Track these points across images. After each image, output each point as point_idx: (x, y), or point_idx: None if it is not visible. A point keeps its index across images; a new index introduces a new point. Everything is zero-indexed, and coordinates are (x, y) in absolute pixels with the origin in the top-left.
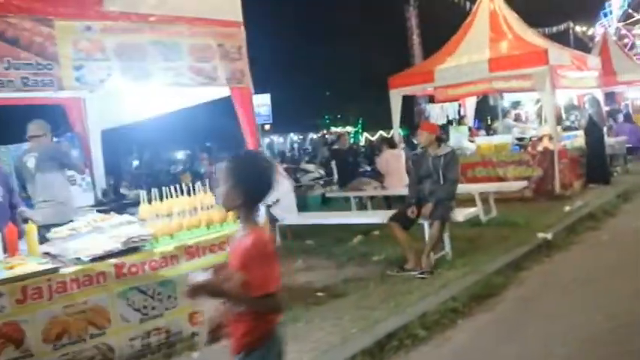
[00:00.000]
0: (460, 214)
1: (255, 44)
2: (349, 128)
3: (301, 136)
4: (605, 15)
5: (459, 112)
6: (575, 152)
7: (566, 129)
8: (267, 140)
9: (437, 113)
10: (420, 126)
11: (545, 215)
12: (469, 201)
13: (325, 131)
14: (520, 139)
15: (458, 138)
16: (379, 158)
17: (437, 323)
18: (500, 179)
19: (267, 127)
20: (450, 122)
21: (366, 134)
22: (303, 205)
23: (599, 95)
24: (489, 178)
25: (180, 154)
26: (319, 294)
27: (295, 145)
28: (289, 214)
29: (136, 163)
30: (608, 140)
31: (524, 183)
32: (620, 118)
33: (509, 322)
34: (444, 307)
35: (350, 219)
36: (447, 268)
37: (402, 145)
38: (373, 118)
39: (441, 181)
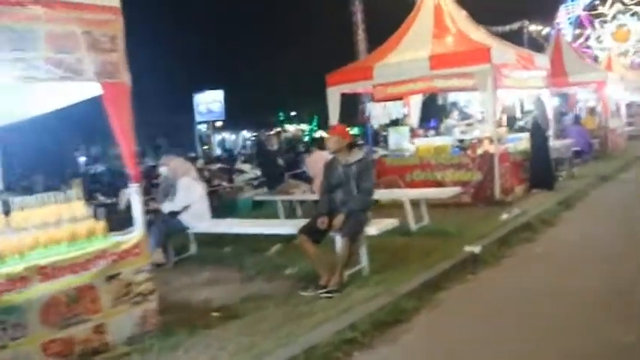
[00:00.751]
0: (375, 227)
1: (208, 38)
2: (304, 126)
3: (255, 134)
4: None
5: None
6: (518, 156)
7: (521, 130)
8: (218, 137)
9: (378, 112)
10: (330, 130)
11: (481, 224)
12: (400, 207)
13: (280, 129)
14: (462, 141)
15: (397, 139)
16: (308, 160)
17: (327, 357)
18: (439, 183)
19: (218, 123)
20: (393, 122)
21: (321, 132)
22: (232, 209)
23: (547, 96)
24: (427, 182)
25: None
26: (214, 314)
27: (248, 143)
28: (200, 222)
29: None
30: (554, 144)
31: (457, 189)
32: (567, 120)
33: (412, 356)
34: (339, 338)
35: (257, 228)
36: (359, 286)
37: None
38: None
39: (354, 191)
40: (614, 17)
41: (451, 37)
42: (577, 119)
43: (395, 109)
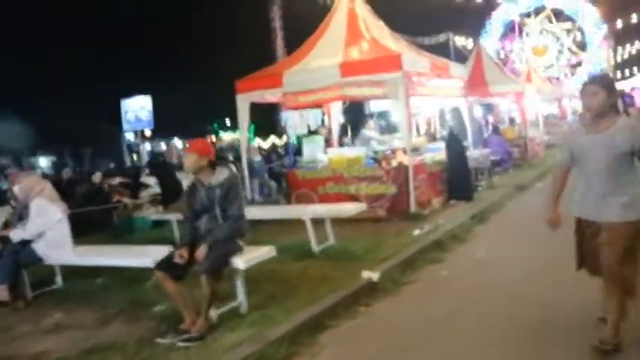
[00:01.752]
0: (244, 258)
1: (135, 41)
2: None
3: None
4: (486, 33)
5: (322, 120)
6: (435, 167)
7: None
8: (147, 147)
9: (295, 122)
10: (187, 146)
11: (391, 241)
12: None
13: (214, 138)
14: (377, 152)
15: (311, 149)
16: None
17: None
18: (353, 197)
19: (148, 132)
20: (312, 132)
21: (258, 140)
22: (128, 229)
23: (464, 106)
24: (341, 195)
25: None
26: None
27: (182, 153)
28: (57, 251)
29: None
30: (472, 153)
31: (361, 206)
32: (485, 131)
33: None
34: None
35: (124, 259)
36: (230, 328)
37: (259, 158)
38: (265, 124)
39: (219, 219)
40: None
41: (364, 44)
42: (496, 129)
43: (313, 118)
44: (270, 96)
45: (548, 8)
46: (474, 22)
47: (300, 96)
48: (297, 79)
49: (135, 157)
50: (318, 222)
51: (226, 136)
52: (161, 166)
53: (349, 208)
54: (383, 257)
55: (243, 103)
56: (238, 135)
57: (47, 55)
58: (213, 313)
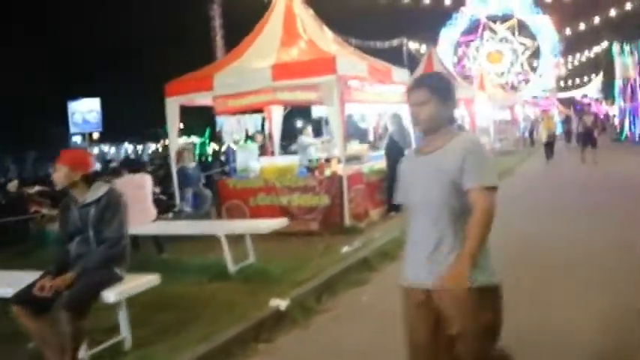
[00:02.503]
0: (115, 292)
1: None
2: (194, 138)
3: (141, 147)
4: (451, 24)
5: (262, 125)
6: (374, 176)
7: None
8: (95, 150)
9: (232, 127)
10: (58, 157)
11: (316, 260)
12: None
13: (162, 141)
14: (311, 161)
15: (245, 157)
16: (117, 185)
17: None
18: (284, 209)
19: (96, 135)
20: (250, 138)
21: (213, 145)
22: (41, 243)
23: (406, 113)
24: (273, 207)
25: None
26: None
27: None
28: None
29: None
30: None
31: (281, 222)
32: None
33: None
34: None
35: None
36: None
37: (193, 165)
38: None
39: (92, 242)
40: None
41: (299, 45)
42: None
43: (252, 124)
44: (201, 99)
45: (515, 18)
46: (430, 27)
47: (230, 100)
48: (228, 82)
49: None
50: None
51: (179, 140)
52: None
53: (269, 224)
54: (302, 279)
55: (172, 106)
56: (194, 139)
57: None
58: (83, 354)
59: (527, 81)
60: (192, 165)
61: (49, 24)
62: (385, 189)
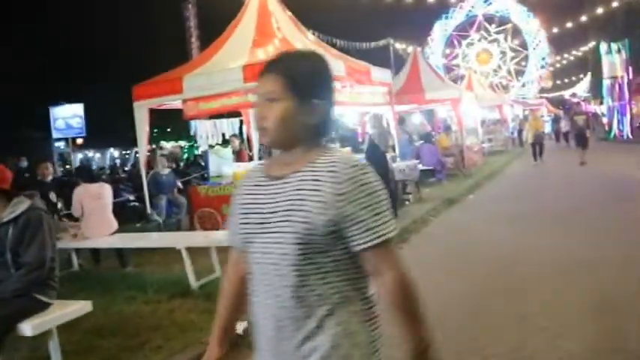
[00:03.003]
0: (34, 323)
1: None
2: (183, 142)
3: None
4: (447, 18)
5: (240, 129)
6: None
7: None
8: (79, 156)
9: (207, 131)
10: None
11: None
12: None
13: (154, 146)
14: None
15: (217, 163)
16: (75, 193)
17: None
18: None
19: (79, 140)
20: (226, 142)
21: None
22: None
23: (390, 114)
24: None
25: None
26: None
27: (117, 162)
28: None
29: None
30: (398, 165)
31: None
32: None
33: None
34: None
35: None
36: None
37: (167, 171)
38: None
39: (10, 267)
40: (479, 40)
41: (274, 43)
42: (428, 137)
43: (230, 127)
44: (170, 102)
45: (511, 23)
46: (417, 27)
47: (201, 102)
48: (198, 84)
49: (67, 166)
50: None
51: (168, 145)
52: (31, 186)
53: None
54: None
55: (140, 110)
56: (182, 143)
57: None
58: None
59: (512, 86)
60: (165, 171)
61: (18, 27)
62: None
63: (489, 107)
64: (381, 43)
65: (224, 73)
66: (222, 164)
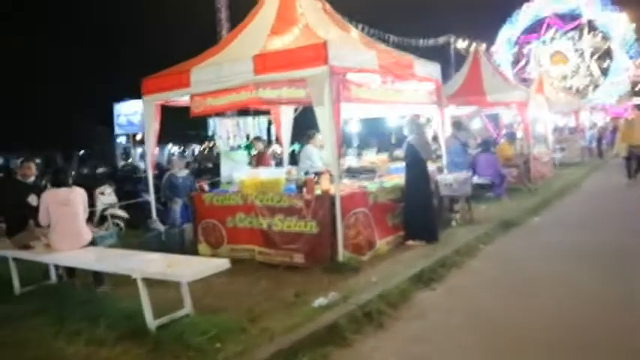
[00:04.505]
0: None
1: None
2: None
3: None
4: (511, 22)
5: (268, 129)
6: (385, 195)
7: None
8: (139, 150)
9: (228, 130)
10: None
11: (273, 317)
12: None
13: (207, 142)
14: (307, 173)
15: (230, 167)
16: (42, 199)
17: None
18: (265, 234)
19: (138, 136)
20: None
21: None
22: None
23: (437, 116)
24: (253, 231)
25: None
26: None
27: (174, 158)
28: None
29: None
30: (444, 177)
31: (222, 263)
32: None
33: None
34: None
35: None
36: None
37: (184, 173)
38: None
39: None
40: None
41: (293, 31)
42: (486, 145)
43: (256, 127)
44: (178, 98)
45: (584, 17)
46: (482, 24)
47: (209, 98)
48: (206, 77)
49: (130, 160)
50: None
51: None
52: (6, 188)
53: (200, 269)
54: (236, 352)
55: (148, 106)
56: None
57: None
58: None
59: (596, 86)
60: (182, 173)
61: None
62: (402, 211)
63: (563, 113)
64: (441, 40)
65: (233, 64)
66: (236, 169)
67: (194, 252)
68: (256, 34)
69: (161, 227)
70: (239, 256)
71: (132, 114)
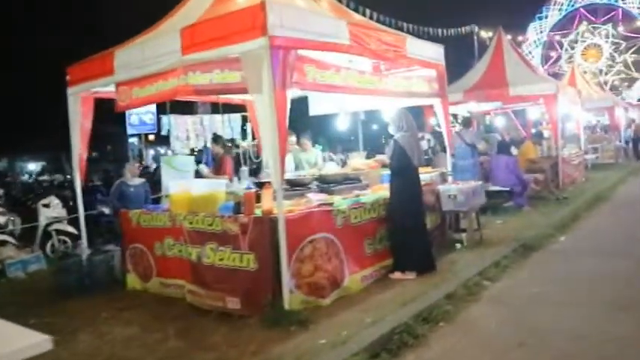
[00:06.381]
0: None
1: None
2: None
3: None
4: (540, 19)
5: (243, 127)
6: (363, 215)
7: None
8: (151, 152)
9: (188, 130)
10: None
11: None
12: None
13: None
14: (260, 185)
15: (172, 177)
16: None
17: None
18: (195, 269)
19: (151, 137)
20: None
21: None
22: None
23: (440, 110)
24: (182, 262)
25: None
26: None
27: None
28: None
29: None
30: (448, 188)
31: (43, 342)
32: (462, 150)
33: None
34: None
35: None
36: None
37: (137, 181)
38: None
39: None
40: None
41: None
42: (505, 146)
43: (227, 126)
44: (102, 89)
45: (620, 9)
46: (499, 11)
47: (135, 87)
48: (132, 61)
49: (143, 162)
50: None
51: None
52: None
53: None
54: None
55: (74, 99)
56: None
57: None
58: None
59: (632, 81)
60: (135, 181)
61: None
62: (387, 232)
63: (597, 109)
64: (463, 30)
65: (158, 41)
66: (174, 179)
67: (123, 284)
68: (200, 3)
69: (84, 251)
70: (169, 293)
71: (144, 113)
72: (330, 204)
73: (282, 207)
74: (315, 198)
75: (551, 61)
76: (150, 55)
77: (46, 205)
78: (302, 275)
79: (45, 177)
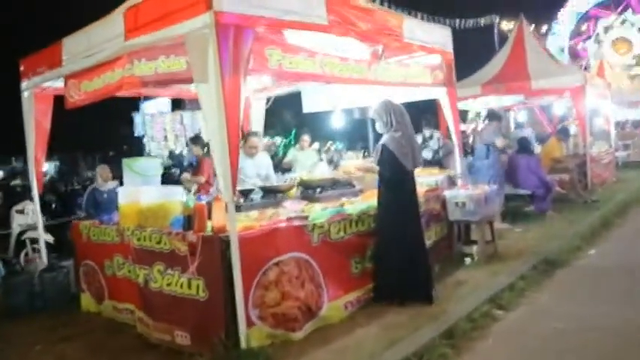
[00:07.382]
0: None
1: None
2: (278, 139)
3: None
4: (553, 34)
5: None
6: (349, 228)
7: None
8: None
9: (165, 129)
10: None
11: None
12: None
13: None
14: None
15: (134, 183)
16: None
17: None
18: (142, 294)
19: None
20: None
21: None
22: None
23: (446, 101)
24: (131, 285)
25: None
26: None
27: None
28: None
29: None
30: (455, 195)
31: None
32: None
33: None
34: None
35: None
36: None
37: (110, 185)
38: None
39: None
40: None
41: None
42: (524, 145)
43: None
44: (52, 83)
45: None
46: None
47: (84, 81)
48: (77, 50)
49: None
50: None
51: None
52: None
53: None
54: None
55: (27, 95)
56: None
57: None
58: None
59: None
60: (108, 186)
61: None
62: (374, 248)
63: (629, 103)
64: (482, 21)
65: (102, 26)
66: (141, 185)
67: (78, 305)
68: None
69: (40, 266)
70: (122, 318)
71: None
72: (305, 217)
73: (235, 223)
74: (292, 208)
75: (579, 38)
76: (95, 41)
77: (20, 212)
78: (266, 304)
79: (17, 181)
